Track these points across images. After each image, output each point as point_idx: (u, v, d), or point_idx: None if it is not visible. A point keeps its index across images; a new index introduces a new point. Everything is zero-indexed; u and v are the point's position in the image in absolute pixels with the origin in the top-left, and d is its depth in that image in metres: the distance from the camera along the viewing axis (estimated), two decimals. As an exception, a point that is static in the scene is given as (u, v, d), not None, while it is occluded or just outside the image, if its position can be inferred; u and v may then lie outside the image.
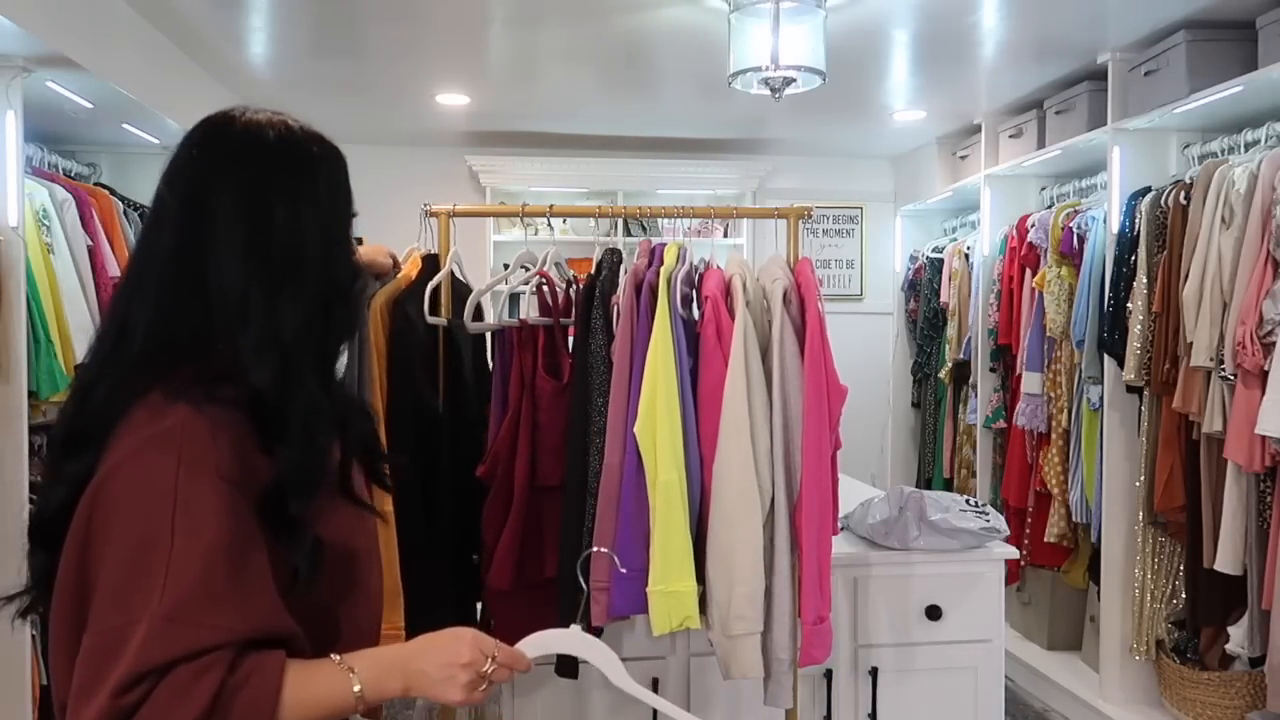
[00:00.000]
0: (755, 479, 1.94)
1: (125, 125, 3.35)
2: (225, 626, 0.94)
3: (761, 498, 1.96)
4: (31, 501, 2.73)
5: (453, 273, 2.32)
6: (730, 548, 1.93)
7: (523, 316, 2.25)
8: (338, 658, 1.04)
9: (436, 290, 2.25)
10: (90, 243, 3.07)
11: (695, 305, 2.12)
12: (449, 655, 1.08)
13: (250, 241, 1.06)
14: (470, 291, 2.30)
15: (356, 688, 1.02)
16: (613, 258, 2.26)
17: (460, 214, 2.31)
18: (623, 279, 2.08)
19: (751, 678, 1.96)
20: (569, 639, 1.20)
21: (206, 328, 1.05)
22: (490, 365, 2.32)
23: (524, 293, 2.33)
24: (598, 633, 2.02)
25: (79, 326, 2.88)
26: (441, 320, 2.24)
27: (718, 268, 2.12)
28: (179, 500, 0.96)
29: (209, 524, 0.96)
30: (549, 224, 2.41)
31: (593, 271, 2.19)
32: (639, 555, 1.92)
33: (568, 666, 2.06)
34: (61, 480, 1.04)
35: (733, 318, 2.00)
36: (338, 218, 1.15)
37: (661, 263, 2.08)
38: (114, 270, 3.17)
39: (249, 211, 1.07)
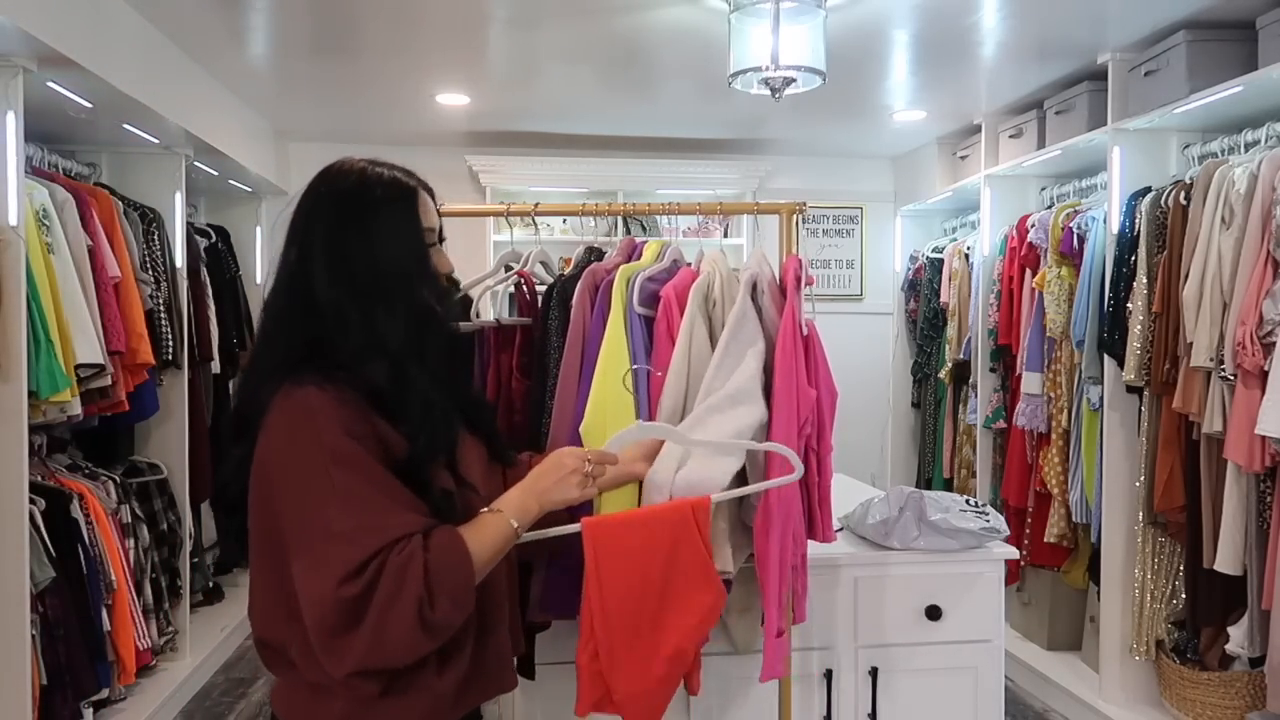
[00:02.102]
0: (676, 470, 1.83)
1: (125, 125, 3.35)
2: (404, 522, 1.23)
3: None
4: (33, 502, 2.74)
5: None
6: None
7: (498, 316, 2.24)
8: (487, 509, 1.37)
9: None
10: (90, 243, 3.07)
11: None
12: (557, 469, 1.44)
13: (332, 269, 1.33)
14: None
15: (514, 523, 1.36)
16: (589, 256, 2.24)
17: (446, 214, 2.29)
18: None
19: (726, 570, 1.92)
20: (634, 430, 1.66)
21: (323, 335, 1.32)
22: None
23: (511, 293, 2.32)
24: (543, 627, 2.01)
25: (79, 326, 2.88)
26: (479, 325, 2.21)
27: (695, 267, 2.08)
28: (324, 446, 1.23)
29: (357, 460, 1.23)
30: (534, 222, 2.38)
31: (567, 270, 2.16)
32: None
33: (526, 669, 2.05)
34: (228, 460, 1.35)
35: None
36: (409, 248, 1.38)
37: (635, 261, 2.05)
38: (114, 270, 3.17)
39: (327, 245, 1.34)
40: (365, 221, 1.35)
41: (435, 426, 1.34)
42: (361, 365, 1.30)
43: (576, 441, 1.88)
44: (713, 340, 1.96)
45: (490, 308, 2.48)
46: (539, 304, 2.21)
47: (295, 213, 1.38)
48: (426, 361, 1.36)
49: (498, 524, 1.36)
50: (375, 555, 1.19)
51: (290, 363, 1.30)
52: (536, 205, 2.28)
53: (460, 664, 1.35)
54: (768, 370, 1.93)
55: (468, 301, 2.30)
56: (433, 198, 1.47)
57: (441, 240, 1.47)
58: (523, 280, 2.30)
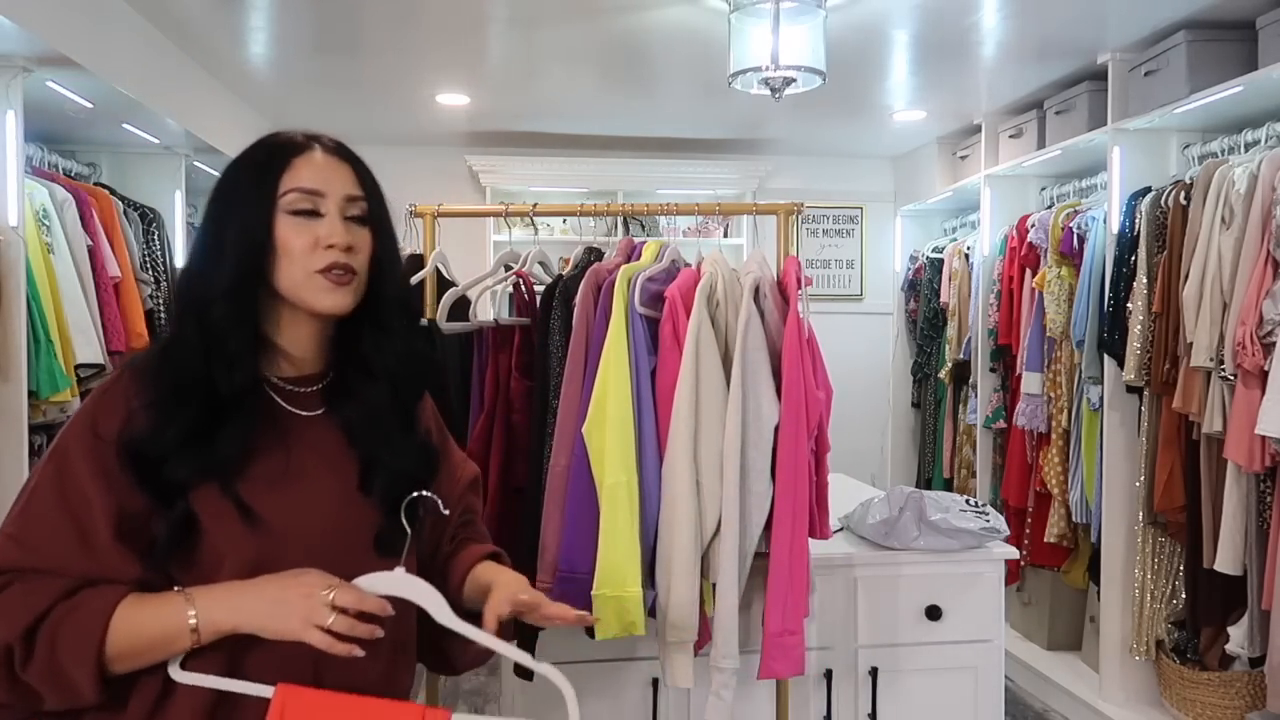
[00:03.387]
0: (692, 483, 1.89)
1: (125, 125, 3.35)
2: (56, 555, 1.05)
3: (702, 502, 1.90)
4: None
5: (440, 272, 2.30)
6: (669, 554, 1.89)
7: (496, 317, 2.24)
8: (181, 589, 1.07)
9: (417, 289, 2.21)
10: (90, 242, 3.07)
11: None
12: (283, 584, 1.07)
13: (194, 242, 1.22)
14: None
15: (191, 618, 1.05)
16: (589, 257, 2.24)
17: (445, 214, 2.29)
18: None
19: (685, 687, 1.93)
20: (393, 579, 1.15)
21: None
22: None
23: (510, 293, 2.32)
24: (534, 635, 2.00)
25: (79, 326, 2.88)
26: (420, 320, 2.21)
27: (695, 267, 2.09)
28: (61, 437, 1.10)
29: (70, 464, 1.07)
30: (533, 223, 2.38)
31: (566, 270, 2.17)
32: (586, 558, 1.88)
33: (525, 670, 2.05)
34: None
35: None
36: (245, 213, 1.17)
37: (634, 261, 2.06)
38: (114, 270, 3.17)
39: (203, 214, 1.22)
40: (216, 190, 1.19)
41: (189, 418, 1.09)
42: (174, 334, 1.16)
43: (580, 442, 1.89)
44: (717, 341, 1.97)
45: (490, 308, 2.48)
46: (537, 304, 2.21)
47: None
48: (230, 335, 1.13)
49: (172, 610, 1.05)
50: (9, 572, 1.04)
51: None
52: (535, 206, 2.28)
53: None
54: (774, 374, 1.95)
55: (465, 302, 2.30)
56: (350, 162, 1.21)
57: (362, 213, 1.20)
58: (521, 280, 2.30)
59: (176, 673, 1.07)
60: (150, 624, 1.04)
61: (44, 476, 1.08)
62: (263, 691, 1.06)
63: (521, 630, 1.99)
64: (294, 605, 1.05)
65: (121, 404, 1.10)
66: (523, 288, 2.31)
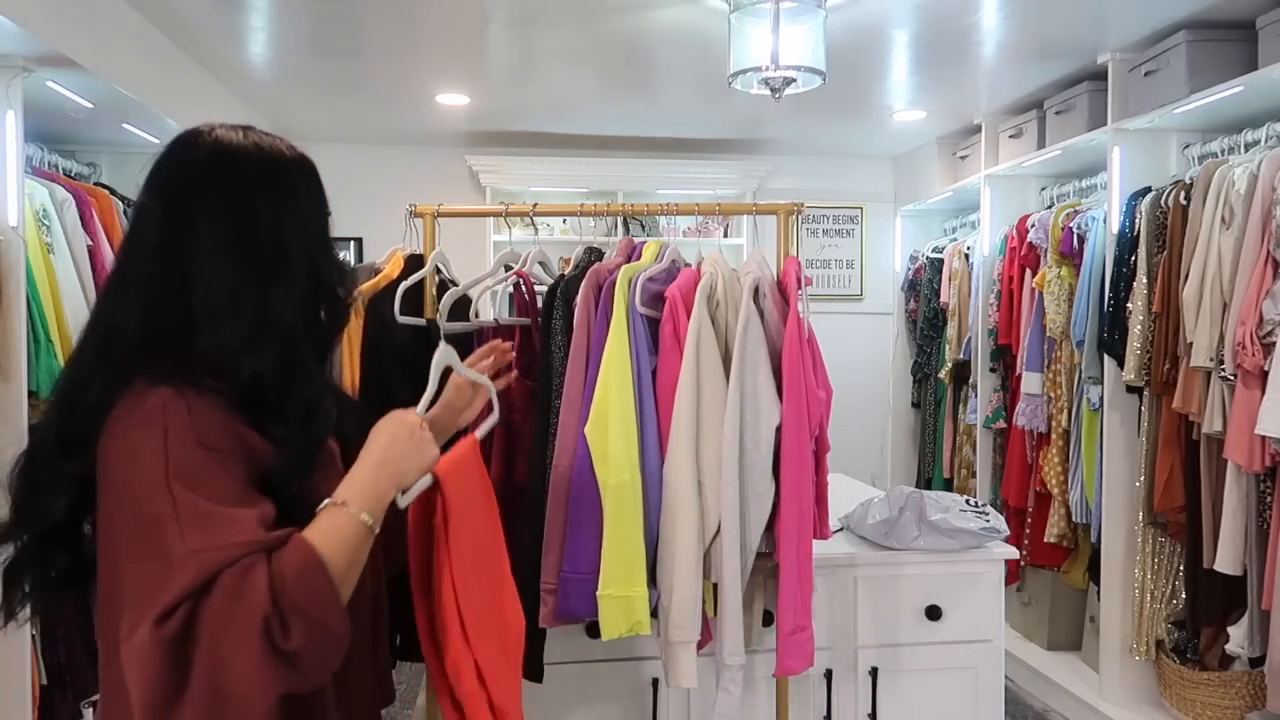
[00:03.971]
0: (694, 483, 1.89)
1: (125, 125, 3.35)
2: (245, 540, 0.98)
3: (704, 502, 1.90)
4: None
5: (440, 273, 2.30)
6: (671, 553, 1.89)
7: (496, 316, 2.24)
8: (325, 501, 1.08)
9: (412, 290, 2.21)
10: (90, 243, 3.07)
11: None
12: (407, 431, 1.16)
13: (235, 241, 1.11)
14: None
15: (366, 519, 1.08)
16: (589, 257, 2.24)
17: (445, 214, 2.29)
18: None
19: (687, 686, 1.93)
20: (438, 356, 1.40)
21: (188, 323, 1.10)
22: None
23: (510, 293, 2.32)
24: (541, 636, 2.01)
25: (79, 326, 2.87)
26: (419, 320, 2.21)
27: (695, 267, 2.09)
28: (169, 460, 1.00)
29: (202, 471, 1.01)
30: (533, 223, 2.38)
31: (566, 271, 2.17)
32: (590, 559, 1.88)
33: (534, 671, 2.05)
34: (64, 483, 1.08)
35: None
36: (314, 218, 1.20)
37: (635, 261, 2.06)
38: (114, 270, 3.17)
39: (230, 213, 1.12)
40: (276, 187, 1.16)
41: (315, 433, 1.12)
42: (245, 352, 1.09)
43: (583, 442, 1.89)
44: (718, 341, 1.97)
45: (490, 307, 2.48)
46: (538, 304, 2.22)
47: (163, 185, 1.16)
48: (322, 352, 1.19)
49: (342, 522, 1.07)
50: (203, 584, 0.94)
51: (139, 357, 1.07)
52: (535, 206, 2.28)
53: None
54: (774, 373, 1.96)
55: (466, 301, 2.30)
56: None
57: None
58: (521, 280, 2.30)
59: (404, 499, 1.18)
60: (339, 544, 1.05)
61: (177, 498, 0.99)
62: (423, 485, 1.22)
63: (527, 633, 1.99)
64: (416, 445, 1.17)
65: (219, 417, 1.06)
66: (523, 288, 2.31)
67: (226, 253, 1.11)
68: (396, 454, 1.15)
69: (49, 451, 1.10)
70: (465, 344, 2.27)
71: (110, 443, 1.04)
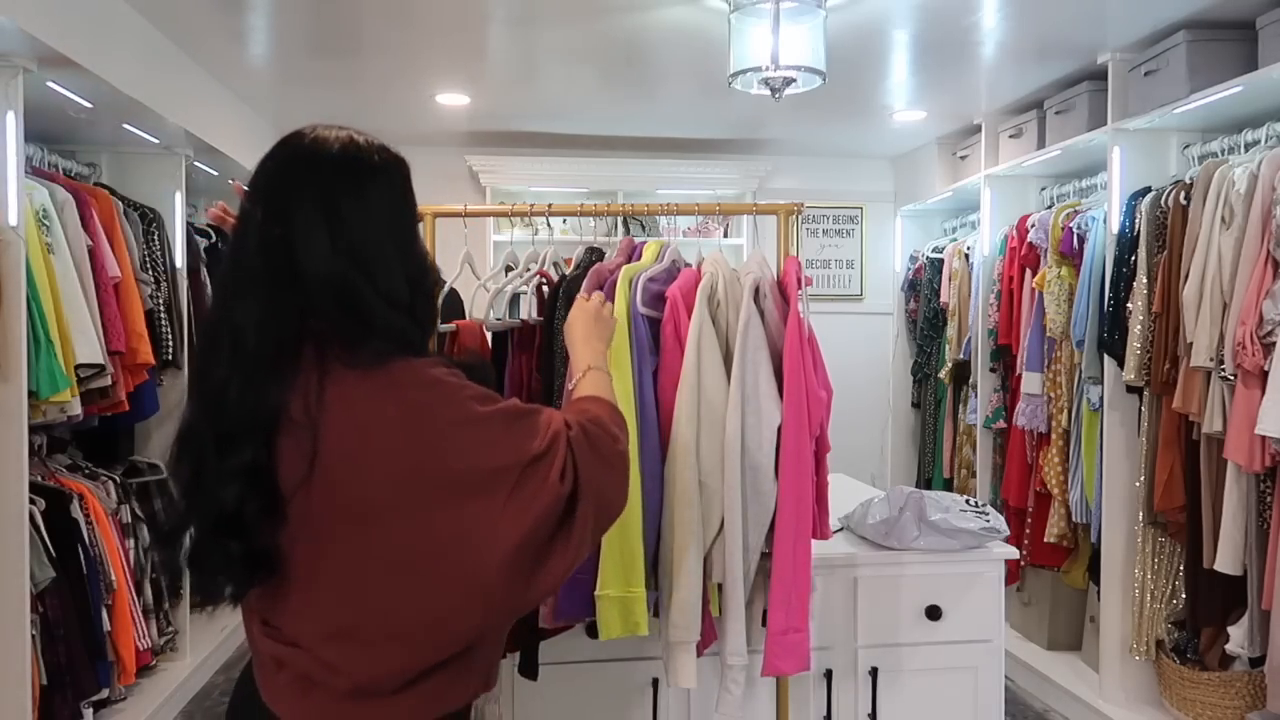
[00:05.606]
0: (695, 484, 1.89)
1: (125, 125, 3.35)
2: (554, 412, 1.29)
3: (705, 502, 1.90)
4: (33, 502, 2.72)
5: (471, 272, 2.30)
6: (672, 553, 1.89)
7: (523, 316, 2.24)
8: (575, 377, 1.45)
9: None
10: (90, 243, 3.07)
11: None
12: (589, 310, 1.58)
13: (332, 236, 1.20)
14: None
15: (605, 369, 1.47)
16: (590, 257, 2.24)
17: (443, 214, 2.29)
18: None
19: (688, 686, 1.93)
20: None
21: (310, 312, 1.19)
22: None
23: (524, 293, 2.32)
24: (541, 635, 2.00)
25: (79, 326, 2.88)
26: (450, 326, 2.19)
27: (695, 267, 2.09)
28: (466, 393, 1.21)
29: (487, 394, 1.24)
30: (533, 223, 2.38)
31: (568, 271, 2.17)
32: (589, 559, 1.86)
33: (529, 669, 2.05)
34: (229, 476, 1.16)
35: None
36: (402, 217, 1.30)
37: (635, 261, 2.06)
38: (114, 270, 3.17)
39: (324, 210, 1.21)
40: (363, 187, 1.25)
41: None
42: (377, 335, 1.20)
43: None
44: (719, 341, 1.97)
45: (492, 310, 2.47)
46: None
47: (262, 190, 1.24)
48: (420, 349, 1.30)
49: (597, 378, 1.44)
50: (566, 442, 1.23)
51: (294, 350, 1.18)
52: (550, 206, 2.27)
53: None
54: (774, 373, 1.96)
55: (459, 301, 2.29)
56: None
57: None
58: (544, 280, 2.30)
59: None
60: (606, 390, 1.42)
61: (497, 411, 1.22)
62: None
63: (523, 633, 1.99)
64: (601, 317, 1.58)
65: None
66: (544, 288, 2.31)
67: (328, 248, 1.19)
68: (593, 328, 1.54)
69: (207, 448, 1.18)
70: (502, 341, 2.27)
71: (386, 414, 1.16)
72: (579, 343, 1.50)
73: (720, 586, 1.95)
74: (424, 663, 1.21)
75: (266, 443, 1.16)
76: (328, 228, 1.20)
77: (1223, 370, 2.69)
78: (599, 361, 1.47)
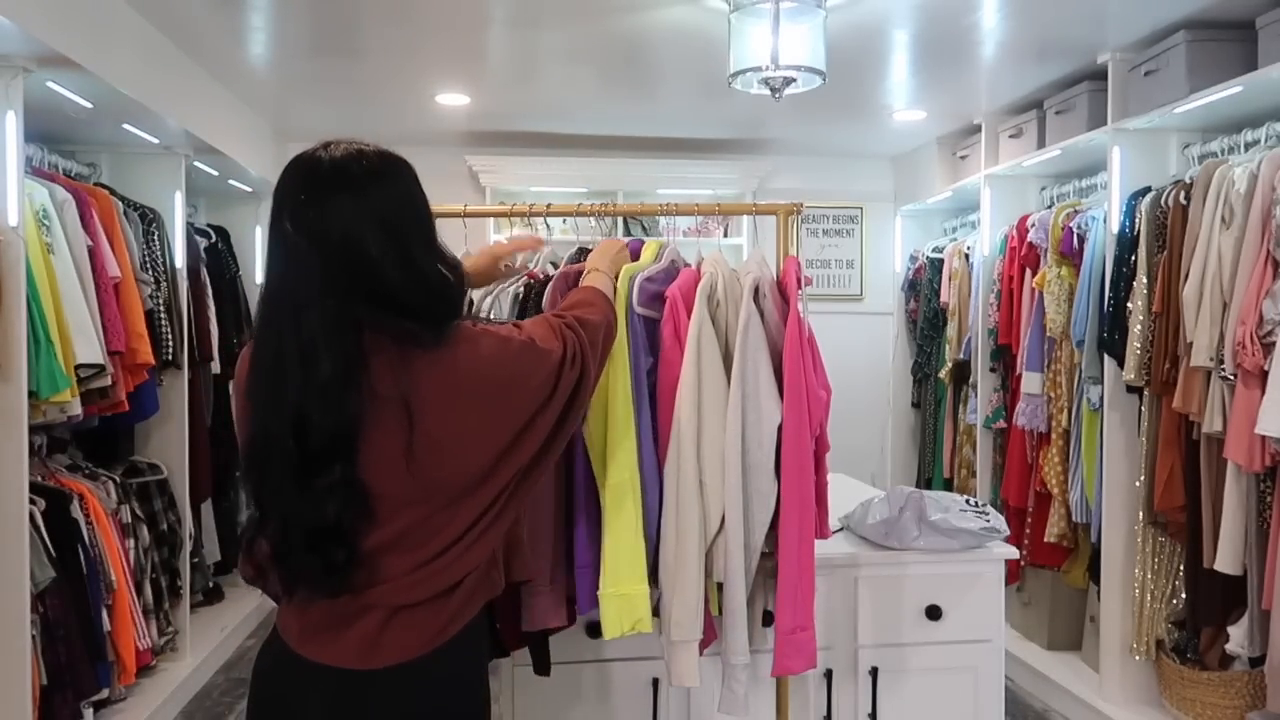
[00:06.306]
0: (696, 483, 1.89)
1: (125, 125, 3.35)
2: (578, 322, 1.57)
3: (706, 501, 1.90)
4: (33, 502, 2.72)
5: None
6: (673, 553, 1.89)
7: (506, 318, 2.23)
8: (592, 270, 1.85)
9: None
10: (90, 243, 3.07)
11: None
12: (612, 243, 1.98)
13: (397, 244, 1.33)
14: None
15: (608, 274, 1.86)
16: (580, 256, 2.23)
17: (442, 214, 2.29)
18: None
19: (689, 686, 1.93)
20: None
21: (393, 312, 1.31)
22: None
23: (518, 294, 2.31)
24: (541, 637, 2.01)
25: (79, 327, 2.88)
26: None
27: (694, 267, 2.09)
28: (520, 330, 1.47)
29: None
30: (531, 223, 2.38)
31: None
32: (593, 556, 1.88)
33: (542, 666, 2.05)
34: (328, 494, 1.27)
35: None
36: (428, 208, 1.48)
37: (634, 261, 2.06)
38: (114, 270, 3.17)
39: (379, 223, 1.34)
40: (406, 185, 1.48)
41: None
42: (458, 305, 1.42)
43: (583, 444, 1.89)
44: (718, 341, 1.97)
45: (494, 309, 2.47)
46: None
47: (310, 211, 1.32)
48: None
49: (598, 279, 1.79)
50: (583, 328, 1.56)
51: (359, 355, 1.28)
52: (549, 206, 2.27)
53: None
54: (774, 373, 1.96)
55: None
56: None
57: None
58: (531, 280, 2.30)
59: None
60: (607, 288, 1.80)
61: (542, 328, 1.50)
62: None
63: (530, 634, 1.99)
64: (618, 249, 1.97)
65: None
66: (521, 290, 2.30)
67: (395, 257, 1.33)
68: (610, 254, 1.91)
69: (288, 467, 1.27)
70: None
71: (465, 367, 1.34)
72: (594, 255, 1.89)
73: (721, 586, 1.95)
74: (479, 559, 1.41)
75: (352, 453, 1.27)
76: (388, 238, 1.31)
77: (1223, 370, 2.69)
78: (604, 266, 1.84)
